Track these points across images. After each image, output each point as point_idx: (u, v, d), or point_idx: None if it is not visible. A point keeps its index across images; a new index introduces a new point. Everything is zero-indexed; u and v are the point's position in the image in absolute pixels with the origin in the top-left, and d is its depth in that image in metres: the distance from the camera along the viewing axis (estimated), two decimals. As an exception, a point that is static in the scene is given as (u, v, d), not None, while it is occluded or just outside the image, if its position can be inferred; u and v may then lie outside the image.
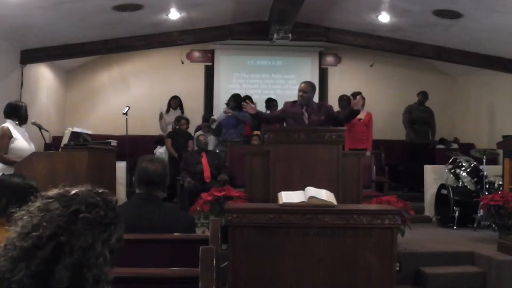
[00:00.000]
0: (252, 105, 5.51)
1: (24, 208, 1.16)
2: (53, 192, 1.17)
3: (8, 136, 4.86)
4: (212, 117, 8.39)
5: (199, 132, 8.28)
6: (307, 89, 5.35)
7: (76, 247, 1.10)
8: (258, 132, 8.09)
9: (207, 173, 7.06)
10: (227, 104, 8.60)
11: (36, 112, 8.12)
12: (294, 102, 5.43)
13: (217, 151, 7.71)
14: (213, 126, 8.21)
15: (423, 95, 8.79)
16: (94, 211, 1.15)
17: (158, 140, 8.52)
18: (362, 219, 3.85)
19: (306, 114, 5.26)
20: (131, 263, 2.17)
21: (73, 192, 1.17)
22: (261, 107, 9.11)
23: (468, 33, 7.45)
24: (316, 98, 9.44)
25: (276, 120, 5.73)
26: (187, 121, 8.36)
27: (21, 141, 4.94)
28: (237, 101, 8.86)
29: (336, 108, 8.86)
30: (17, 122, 5.01)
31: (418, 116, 8.71)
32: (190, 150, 7.81)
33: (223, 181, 6.70)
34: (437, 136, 9.31)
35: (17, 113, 5.04)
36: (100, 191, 1.21)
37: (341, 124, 5.40)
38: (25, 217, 1.13)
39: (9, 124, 4.94)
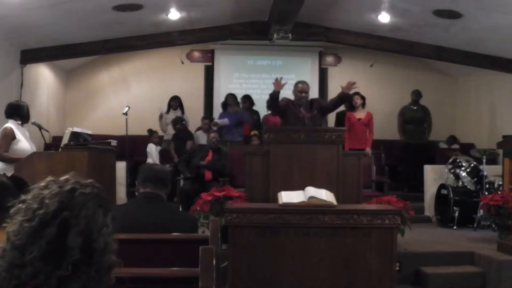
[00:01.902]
0: (281, 82, 5.22)
1: (19, 200, 1.20)
2: (44, 181, 1.22)
3: (11, 136, 4.85)
4: (215, 120, 8.35)
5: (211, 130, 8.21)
6: (307, 89, 5.36)
7: (81, 216, 1.15)
8: (257, 132, 8.09)
9: (208, 174, 7.06)
10: (226, 104, 8.61)
11: (36, 112, 8.11)
12: (292, 100, 5.45)
13: (223, 148, 7.65)
14: (215, 128, 8.18)
15: (416, 94, 8.77)
16: (88, 188, 1.21)
17: (150, 132, 8.52)
18: (362, 219, 3.85)
19: (304, 112, 5.27)
20: (131, 263, 2.17)
21: (63, 178, 1.24)
22: (261, 107, 9.10)
23: (468, 33, 7.45)
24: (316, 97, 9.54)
25: (279, 109, 5.48)
26: (173, 122, 8.37)
27: (24, 143, 4.93)
28: (251, 101, 8.91)
29: (340, 108, 8.92)
30: (19, 122, 5.00)
31: (412, 116, 8.69)
32: (198, 144, 7.81)
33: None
34: (439, 136, 9.32)
35: (20, 112, 5.03)
36: (88, 180, 1.27)
37: (328, 111, 5.59)
38: (23, 207, 1.17)
39: (12, 125, 4.93)
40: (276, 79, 5.26)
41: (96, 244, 1.15)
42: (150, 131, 8.54)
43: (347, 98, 5.56)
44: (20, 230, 1.13)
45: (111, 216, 1.24)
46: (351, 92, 5.54)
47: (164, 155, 8.24)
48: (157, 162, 8.03)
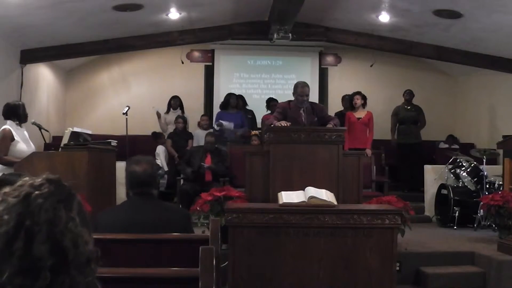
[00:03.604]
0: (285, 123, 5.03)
1: None
2: None
3: (10, 138, 4.85)
4: (220, 121, 8.27)
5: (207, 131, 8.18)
6: (307, 91, 5.30)
7: (41, 221, 1.12)
8: (257, 132, 8.08)
9: (208, 175, 7.05)
10: (226, 104, 8.63)
11: (36, 112, 8.12)
12: (289, 102, 5.40)
13: (223, 149, 7.64)
14: (217, 128, 8.16)
15: (408, 94, 8.78)
16: (43, 188, 1.17)
17: (155, 135, 8.53)
18: (362, 219, 3.85)
19: (304, 115, 5.23)
20: (131, 263, 2.17)
21: (16, 185, 1.20)
22: (262, 107, 9.12)
23: (468, 33, 7.45)
24: (316, 98, 9.56)
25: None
26: (183, 119, 8.36)
27: (22, 144, 4.92)
28: (243, 100, 8.90)
29: (339, 107, 8.92)
30: (17, 122, 5.00)
31: (406, 116, 8.69)
32: (196, 146, 7.79)
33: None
34: (438, 135, 9.32)
35: (16, 113, 5.02)
36: (42, 176, 1.24)
37: (323, 124, 5.33)
38: None
39: (10, 126, 4.93)
40: (285, 124, 4.95)
41: (65, 242, 1.13)
42: (155, 134, 8.52)
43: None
44: None
45: (78, 202, 1.21)
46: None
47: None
48: (165, 163, 8.05)
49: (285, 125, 4.93)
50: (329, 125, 5.03)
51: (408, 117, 8.69)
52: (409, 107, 8.76)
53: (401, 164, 8.66)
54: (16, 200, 1.14)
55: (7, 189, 1.18)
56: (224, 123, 8.15)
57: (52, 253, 1.10)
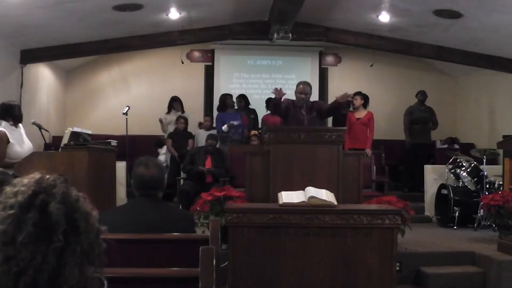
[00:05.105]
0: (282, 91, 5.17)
1: None
2: (10, 184, 1.24)
3: (6, 140, 4.83)
4: (231, 122, 8.17)
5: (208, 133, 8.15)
6: (307, 90, 5.32)
7: (55, 194, 1.19)
8: (256, 132, 8.08)
9: (209, 176, 7.04)
10: (225, 105, 8.62)
11: (36, 112, 8.13)
12: (293, 101, 5.41)
13: (223, 150, 7.61)
14: (226, 130, 8.08)
15: (422, 95, 8.78)
16: (54, 175, 1.26)
17: (158, 143, 8.54)
18: (362, 219, 3.85)
19: (304, 114, 5.25)
20: (131, 263, 2.17)
21: (27, 176, 1.26)
22: (262, 107, 9.12)
23: (468, 33, 7.45)
24: (316, 98, 9.53)
25: (282, 113, 5.44)
26: (185, 120, 8.36)
27: (17, 146, 4.90)
28: (246, 100, 8.89)
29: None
30: (11, 123, 4.97)
31: (419, 116, 8.69)
32: (197, 147, 7.78)
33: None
34: (439, 135, 9.33)
35: (11, 113, 4.99)
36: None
37: (324, 116, 5.63)
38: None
39: (4, 128, 4.90)
40: (276, 89, 5.17)
41: (77, 215, 1.19)
42: (159, 141, 8.50)
43: (340, 107, 5.60)
44: (5, 225, 1.14)
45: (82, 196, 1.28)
46: (349, 96, 5.54)
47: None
48: (166, 160, 8.07)
49: (283, 92, 5.07)
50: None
51: (422, 117, 8.69)
52: (422, 108, 8.76)
53: (409, 164, 8.63)
54: (31, 180, 1.21)
55: (15, 181, 1.23)
56: (235, 122, 8.09)
57: (66, 218, 1.16)
